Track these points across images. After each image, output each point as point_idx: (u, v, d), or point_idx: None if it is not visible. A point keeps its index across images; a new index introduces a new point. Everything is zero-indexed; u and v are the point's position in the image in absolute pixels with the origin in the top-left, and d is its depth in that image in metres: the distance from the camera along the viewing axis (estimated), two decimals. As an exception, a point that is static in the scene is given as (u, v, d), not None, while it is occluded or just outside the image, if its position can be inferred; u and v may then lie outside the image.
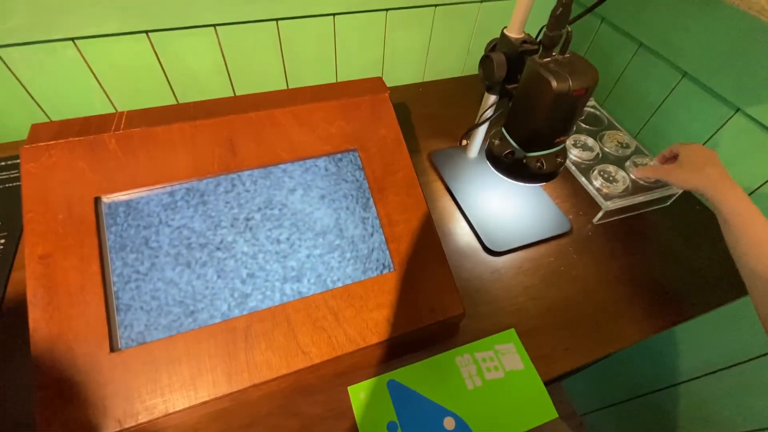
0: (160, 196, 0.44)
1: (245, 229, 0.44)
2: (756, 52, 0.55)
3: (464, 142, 0.70)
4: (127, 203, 0.43)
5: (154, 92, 0.68)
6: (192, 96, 0.70)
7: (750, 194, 0.60)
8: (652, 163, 0.63)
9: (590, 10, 0.45)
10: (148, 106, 0.48)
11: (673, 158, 0.55)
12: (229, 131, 0.47)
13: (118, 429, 0.35)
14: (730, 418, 0.71)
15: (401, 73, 0.84)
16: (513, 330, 0.49)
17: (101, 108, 0.66)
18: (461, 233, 0.59)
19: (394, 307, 0.44)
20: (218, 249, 0.43)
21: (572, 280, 0.55)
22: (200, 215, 0.44)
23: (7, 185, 0.58)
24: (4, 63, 0.57)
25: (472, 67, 0.88)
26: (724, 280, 0.57)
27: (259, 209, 0.45)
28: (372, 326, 0.43)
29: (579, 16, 0.45)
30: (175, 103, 0.70)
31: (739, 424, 0.70)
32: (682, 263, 0.58)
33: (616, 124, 0.72)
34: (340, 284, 0.44)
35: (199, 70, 0.68)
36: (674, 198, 0.64)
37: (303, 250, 0.45)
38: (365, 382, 0.44)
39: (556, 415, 0.42)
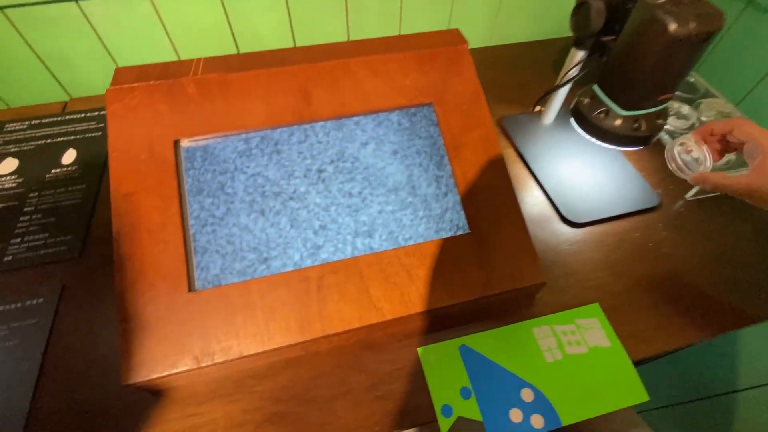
0: (235, 142, 0.43)
1: (318, 180, 0.43)
2: None
3: (538, 107, 0.65)
4: (204, 148, 0.42)
5: (220, 50, 0.68)
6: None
7: None
8: (694, 144, 0.44)
9: None
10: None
11: (723, 141, 0.42)
12: (303, 80, 0.45)
13: (195, 366, 0.36)
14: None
15: (468, 36, 0.79)
16: (597, 305, 0.45)
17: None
18: (535, 202, 0.55)
19: (468, 271, 0.41)
20: (291, 199, 0.42)
21: (661, 257, 0.50)
22: (274, 164, 0.43)
23: (86, 135, 0.60)
24: (85, 16, 0.59)
25: (545, 32, 0.82)
26: None
27: (332, 161, 0.44)
28: (446, 287, 0.40)
29: None
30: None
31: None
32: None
33: (715, 92, 0.64)
34: (412, 242, 0.42)
35: (265, 32, 0.67)
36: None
37: (375, 205, 0.43)
38: (435, 344, 0.42)
39: (647, 398, 0.38)
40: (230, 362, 0.37)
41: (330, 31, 0.70)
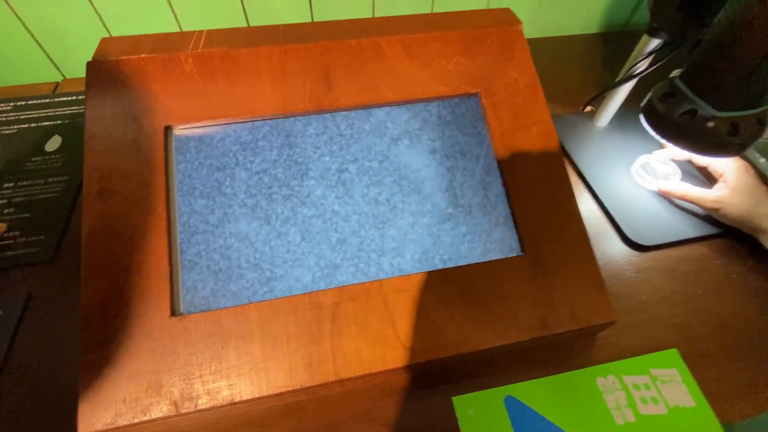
0: (238, 131, 0.35)
1: (337, 182, 0.35)
2: None
3: (589, 108, 0.56)
4: (201, 137, 0.35)
5: (229, 24, 0.60)
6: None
7: None
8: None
9: None
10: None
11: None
12: (325, 60, 0.37)
13: (173, 413, 0.28)
14: None
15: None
16: (676, 350, 0.36)
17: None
18: (590, 218, 0.46)
19: (521, 303, 0.33)
20: (304, 204, 0.34)
21: (750, 292, 0.41)
22: (284, 160, 0.35)
23: (75, 120, 0.53)
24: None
25: (594, 25, 0.73)
26: None
27: (356, 159, 0.36)
28: (493, 324, 0.32)
29: None
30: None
31: None
32: None
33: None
34: (452, 264, 0.34)
35: (281, 7, 0.60)
36: None
37: (406, 216, 0.35)
38: (475, 393, 0.33)
39: (752, 482, 0.30)
40: (218, 408, 0.29)
41: (353, 10, 0.62)
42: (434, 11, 0.65)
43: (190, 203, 0.33)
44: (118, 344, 0.29)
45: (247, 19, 0.60)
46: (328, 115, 0.37)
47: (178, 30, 0.59)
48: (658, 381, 0.34)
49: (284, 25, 0.40)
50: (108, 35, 0.57)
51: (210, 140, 0.35)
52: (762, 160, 0.46)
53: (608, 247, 0.44)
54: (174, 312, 0.30)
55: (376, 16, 0.64)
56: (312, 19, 0.62)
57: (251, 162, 0.35)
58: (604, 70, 0.66)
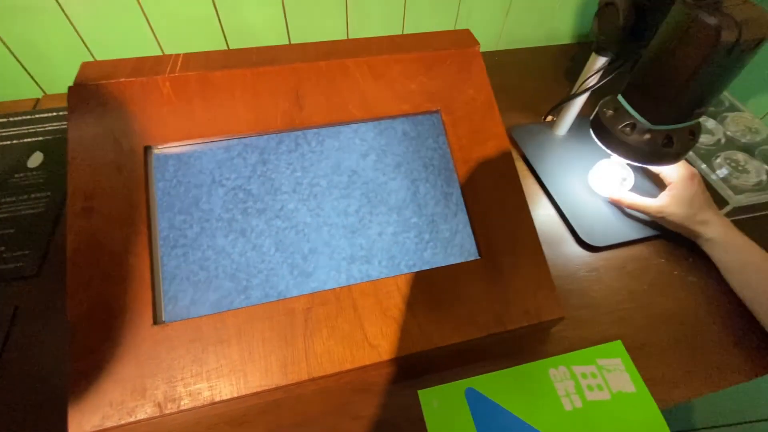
0: (215, 150, 0.38)
1: (309, 196, 0.38)
2: None
3: (550, 117, 0.60)
4: (178, 156, 0.37)
5: (208, 46, 0.62)
6: (248, 53, 0.65)
7: None
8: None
9: None
10: (206, 52, 0.42)
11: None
12: (295, 81, 0.40)
13: (157, 414, 0.30)
14: None
15: (475, 40, 0.74)
16: (620, 342, 0.40)
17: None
18: (547, 221, 0.50)
19: (478, 303, 0.36)
20: (278, 217, 0.37)
21: (689, 287, 0.45)
22: (258, 176, 0.38)
23: (56, 137, 0.55)
24: (60, 6, 0.54)
25: (556, 37, 0.77)
26: None
27: (326, 174, 0.39)
28: (453, 323, 0.35)
29: None
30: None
31: None
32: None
33: (740, 106, 0.59)
34: (416, 269, 0.37)
35: (257, 27, 0.62)
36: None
37: (374, 226, 0.38)
38: (439, 387, 0.36)
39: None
40: (199, 408, 0.32)
41: (328, 30, 0.65)
42: (404, 29, 0.68)
43: (169, 219, 0.35)
44: (105, 352, 0.31)
45: (226, 41, 0.62)
46: (299, 133, 0.39)
47: (159, 51, 0.61)
48: (603, 370, 0.38)
49: (257, 48, 0.42)
50: (88, 53, 0.59)
51: (188, 159, 0.37)
52: (703, 166, 0.51)
53: (564, 248, 0.48)
54: (156, 320, 0.32)
55: (350, 36, 0.67)
56: (289, 41, 0.65)
57: (227, 179, 0.37)
58: (567, 81, 0.70)
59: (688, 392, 0.38)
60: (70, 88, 0.37)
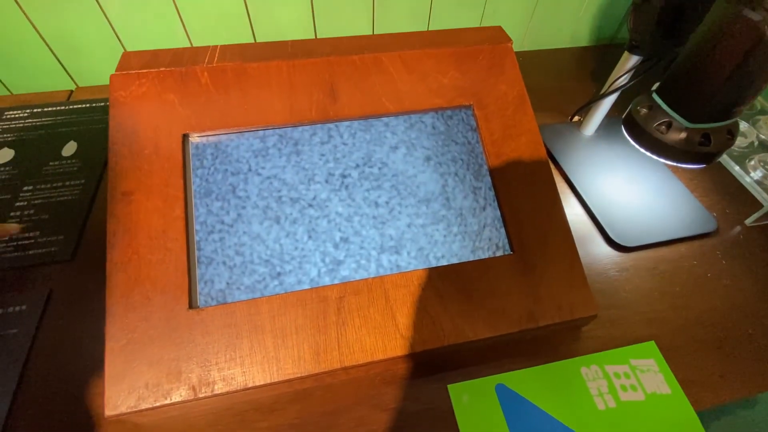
0: (251, 140, 0.38)
1: (341, 186, 0.38)
2: None
3: (577, 117, 0.60)
4: (216, 145, 0.38)
5: (236, 40, 0.63)
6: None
7: None
8: None
9: None
10: (242, 44, 0.43)
11: None
12: (330, 74, 0.41)
13: (192, 397, 0.30)
14: None
15: (499, 41, 0.74)
16: (653, 342, 0.39)
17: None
18: (576, 220, 0.50)
19: (510, 298, 0.36)
20: (310, 206, 0.37)
21: (722, 290, 0.44)
22: (293, 166, 0.38)
23: (89, 127, 0.56)
24: None
25: (581, 38, 0.77)
26: None
27: (357, 166, 0.39)
28: (485, 317, 0.35)
29: None
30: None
31: None
32: None
33: (773, 109, 0.58)
34: (444, 262, 0.37)
35: (285, 23, 0.63)
36: None
37: (404, 217, 0.38)
38: (469, 382, 0.36)
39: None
40: (232, 393, 0.32)
41: (354, 28, 0.66)
42: (430, 28, 0.69)
43: (207, 205, 0.36)
44: (141, 334, 0.32)
45: (254, 35, 0.63)
46: (332, 125, 0.40)
47: (189, 43, 0.62)
48: (637, 370, 0.37)
49: (292, 41, 0.43)
50: (120, 47, 0.61)
51: (225, 147, 0.38)
52: (737, 168, 0.50)
53: (593, 248, 0.47)
54: (192, 305, 0.33)
55: (375, 33, 0.67)
56: (315, 36, 0.66)
57: (262, 168, 0.38)
58: (592, 82, 0.70)
59: (721, 396, 0.37)
60: (112, 76, 0.38)
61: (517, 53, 0.75)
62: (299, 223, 0.36)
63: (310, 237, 0.36)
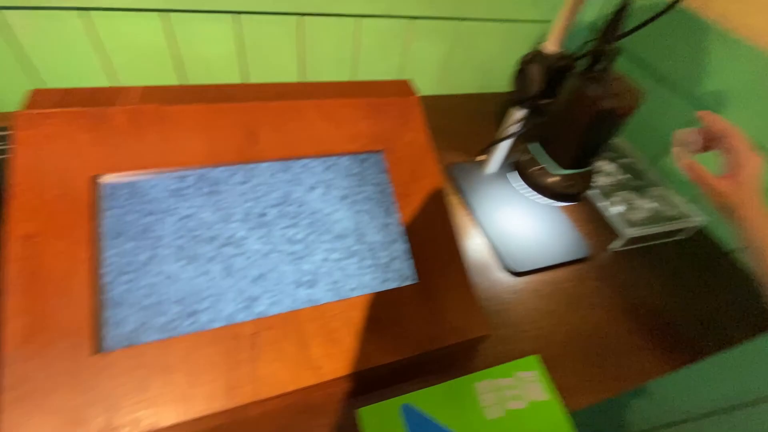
0: (168, 180, 0.39)
1: (259, 224, 0.40)
2: (781, 92, 0.56)
3: (482, 157, 0.68)
4: (131, 185, 0.38)
5: (163, 76, 0.64)
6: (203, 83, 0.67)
7: None
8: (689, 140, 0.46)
9: (665, 11, 0.41)
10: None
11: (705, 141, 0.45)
12: (250, 118, 0.43)
13: (94, 444, 0.30)
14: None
15: (418, 84, 0.82)
16: (536, 357, 0.45)
17: (107, 85, 0.62)
18: (477, 250, 0.56)
19: (414, 323, 0.40)
20: (228, 244, 0.39)
21: (593, 307, 0.52)
22: (211, 205, 0.40)
23: (-9, 158, 0.52)
24: (8, 25, 0.53)
25: (487, 86, 0.88)
26: (731, 319, 0.55)
27: (276, 205, 0.42)
28: (390, 342, 0.39)
29: (649, 20, 0.41)
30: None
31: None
32: (697, 299, 0.57)
33: (632, 152, 0.71)
34: (357, 293, 0.40)
35: (214, 59, 0.65)
36: (691, 232, 0.63)
37: (319, 252, 0.41)
38: (377, 404, 0.39)
39: (583, 454, 0.39)
40: (140, 436, 0.32)
41: (283, 69, 0.69)
42: (356, 73, 0.74)
43: (118, 246, 0.36)
44: (41, 382, 0.31)
45: (180, 74, 0.64)
46: (252, 166, 0.42)
47: (109, 81, 0.61)
48: (521, 382, 0.43)
49: (216, 86, 0.45)
50: (37, 75, 0.58)
51: (140, 188, 0.38)
52: (603, 203, 0.61)
53: (491, 274, 0.54)
54: (98, 348, 0.32)
55: (305, 77, 0.72)
56: (245, 79, 0.68)
57: (179, 208, 0.39)
58: (497, 125, 0.80)
59: (590, 398, 0.44)
60: (17, 114, 0.37)
61: (433, 97, 0.84)
62: (215, 261, 0.38)
63: (226, 275, 0.38)
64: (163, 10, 0.57)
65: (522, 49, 0.83)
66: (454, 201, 0.63)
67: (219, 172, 0.41)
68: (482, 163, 0.68)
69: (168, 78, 0.64)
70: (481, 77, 0.86)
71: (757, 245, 0.41)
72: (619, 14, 0.39)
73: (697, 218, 0.62)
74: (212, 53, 0.64)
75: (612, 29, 0.40)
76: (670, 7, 0.39)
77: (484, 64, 0.83)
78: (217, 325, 0.36)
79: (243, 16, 0.61)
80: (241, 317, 0.37)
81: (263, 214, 0.41)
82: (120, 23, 0.56)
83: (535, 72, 0.49)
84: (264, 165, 0.43)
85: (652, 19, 0.40)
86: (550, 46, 0.49)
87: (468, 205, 0.61)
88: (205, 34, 0.61)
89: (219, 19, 0.60)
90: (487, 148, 0.63)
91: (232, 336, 0.35)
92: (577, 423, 0.41)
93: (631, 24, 0.39)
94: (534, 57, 0.51)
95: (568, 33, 0.48)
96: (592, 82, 0.42)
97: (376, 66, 0.75)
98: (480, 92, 0.88)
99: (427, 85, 0.83)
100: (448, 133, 0.75)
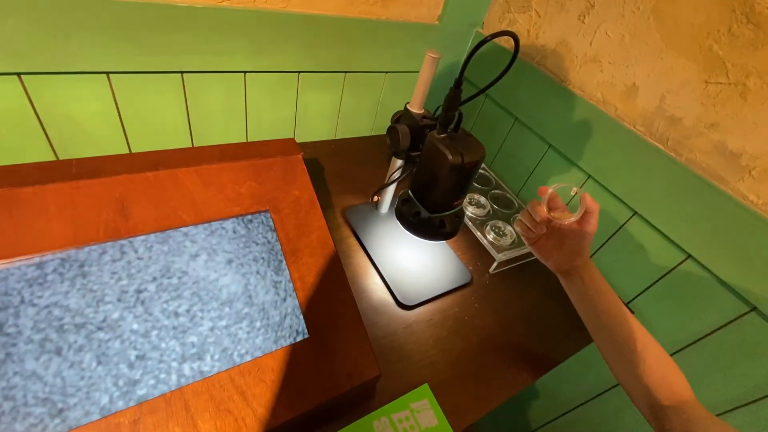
0: (23, 269, 0.37)
1: (135, 303, 0.39)
2: (598, 132, 0.70)
3: (375, 198, 0.74)
4: (-25, 280, 0.35)
5: (26, 145, 0.59)
6: (77, 151, 0.62)
7: (605, 242, 0.74)
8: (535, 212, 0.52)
9: (478, 94, 0.52)
10: (16, 161, 0.41)
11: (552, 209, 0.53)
12: (120, 192, 0.42)
13: None
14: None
15: (313, 130, 0.86)
16: (426, 385, 0.50)
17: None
18: (375, 289, 0.61)
19: (308, 377, 0.42)
20: (100, 329, 0.37)
21: (475, 329, 0.59)
22: (78, 290, 0.38)
23: None
24: None
25: (380, 128, 0.95)
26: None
27: (154, 279, 0.41)
28: (285, 401, 0.40)
29: (469, 99, 0.52)
30: (53, 158, 0.61)
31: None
32: (566, 305, 0.68)
33: (502, 184, 0.83)
34: (249, 358, 0.41)
35: (86, 122, 0.61)
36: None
37: (206, 322, 0.41)
38: (277, 464, 0.40)
39: (469, 469, 0.44)
40: None
41: (169, 125, 0.68)
42: (248, 127, 0.76)
43: (-41, 353, 0.32)
44: None
45: (53, 147, 0.60)
46: (125, 242, 0.41)
47: None
48: (415, 412, 0.47)
49: (77, 160, 0.43)
50: None
51: (-14, 282, 0.35)
52: (477, 234, 0.70)
53: (387, 311, 0.58)
54: (-65, 477, 0.29)
55: (194, 143, 0.71)
56: (129, 148, 0.65)
57: (39, 297, 0.36)
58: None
59: (476, 414, 0.50)
60: None
61: (331, 141, 0.89)
62: (86, 349, 0.36)
63: (99, 362, 0.36)
64: (17, 73, 0.53)
65: (406, 94, 0.92)
66: (352, 243, 0.67)
67: (86, 253, 0.39)
68: (377, 204, 0.73)
69: (35, 145, 0.59)
70: (372, 121, 0.93)
71: (591, 293, 0.51)
72: (454, 93, 0.47)
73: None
74: (86, 116, 0.61)
75: (453, 102, 0.48)
76: (482, 91, 0.48)
77: (373, 109, 0.91)
78: (91, 419, 0.34)
79: (115, 76, 0.59)
80: (120, 405, 0.35)
81: (140, 291, 0.40)
82: (-39, 89, 0.51)
83: (403, 129, 0.56)
84: (139, 239, 0.42)
85: (479, 93, 0.49)
86: (414, 107, 0.56)
87: (365, 246, 0.65)
88: (75, 96, 0.58)
89: (89, 80, 0.57)
90: (378, 191, 0.69)
91: (108, 428, 0.34)
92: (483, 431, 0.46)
93: (488, 74, 0.47)
94: (401, 116, 0.58)
95: (426, 95, 0.56)
96: (445, 140, 0.49)
97: (270, 116, 0.78)
98: (373, 135, 0.94)
99: (323, 131, 0.88)
100: (345, 176, 0.80)
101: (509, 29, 0.55)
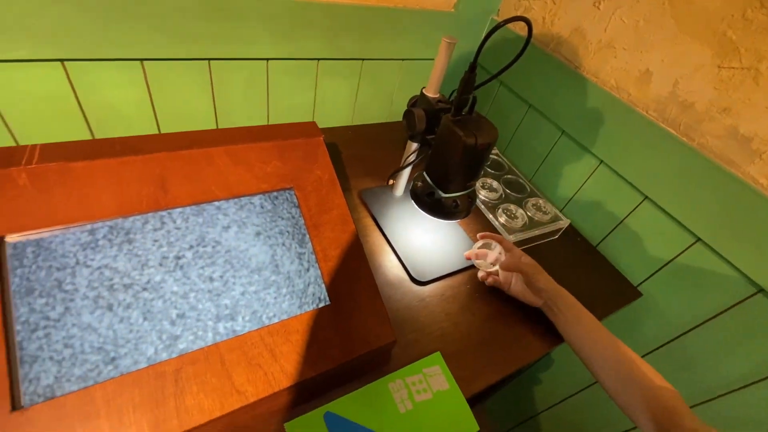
0: (78, 234, 0.41)
1: (175, 267, 0.43)
2: (611, 118, 0.71)
3: (391, 181, 0.77)
4: (38, 242, 0.39)
5: (66, 127, 0.63)
6: (112, 133, 0.67)
7: (616, 226, 0.75)
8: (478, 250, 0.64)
9: (492, 78, 0.54)
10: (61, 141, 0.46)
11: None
12: (160, 169, 0.46)
13: (15, 502, 0.31)
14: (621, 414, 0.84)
15: (331, 116, 0.89)
16: (438, 353, 0.53)
17: (1, 142, 0.60)
18: (390, 266, 0.64)
19: (329, 340, 0.46)
20: (145, 289, 0.41)
21: (485, 304, 0.62)
22: (125, 254, 0.42)
23: None
24: None
25: (396, 115, 0.97)
26: (600, 299, 0.69)
27: (191, 247, 0.45)
28: (309, 360, 0.44)
29: (483, 83, 0.54)
30: (91, 138, 0.66)
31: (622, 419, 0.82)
32: (571, 285, 0.70)
33: (515, 170, 0.85)
34: (276, 320, 0.45)
35: (121, 106, 0.65)
36: (561, 232, 0.77)
37: (237, 287, 0.45)
38: (302, 417, 0.44)
39: (477, 428, 0.47)
40: (65, 486, 0.33)
41: (195, 109, 0.72)
42: (269, 110, 0.79)
43: (29, 303, 0.37)
44: (-52, 451, 0.31)
45: (91, 130, 0.64)
46: (164, 213, 0.45)
47: (12, 139, 0.59)
48: (427, 376, 0.51)
49: (121, 139, 0.47)
50: None
51: (48, 245, 0.40)
52: (489, 216, 0.72)
53: (402, 286, 0.61)
54: (15, 406, 0.33)
55: (219, 125, 0.75)
56: (159, 130, 0.70)
57: (92, 259, 0.41)
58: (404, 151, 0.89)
59: (484, 381, 0.53)
60: None
61: (348, 127, 0.92)
62: (133, 307, 0.40)
63: (145, 318, 0.40)
64: (60, 59, 0.57)
65: (421, 81, 0.94)
66: (369, 224, 0.70)
67: (131, 222, 0.44)
68: (392, 187, 0.76)
69: (76, 128, 0.64)
70: (387, 108, 0.95)
71: (570, 320, 0.55)
72: (469, 77, 0.49)
73: (564, 222, 0.76)
74: (121, 101, 0.65)
75: (469, 81, 0.50)
76: (496, 75, 0.51)
77: (389, 96, 0.93)
78: (140, 366, 0.38)
79: (148, 63, 0.63)
80: (164, 356, 0.39)
81: (179, 257, 0.44)
82: (15, 76, 0.56)
83: (419, 112, 0.59)
84: (176, 211, 0.46)
85: (493, 77, 0.51)
86: (430, 92, 0.59)
87: (381, 227, 0.68)
88: (112, 83, 0.62)
89: (124, 67, 0.62)
90: (393, 174, 0.71)
91: (155, 375, 0.38)
92: (489, 410, 0.49)
93: (503, 62, 0.49)
94: (417, 101, 0.61)
95: (441, 80, 0.58)
96: (459, 123, 0.51)
97: (290, 102, 0.81)
98: (388, 121, 0.97)
99: (341, 117, 0.91)
100: (362, 160, 0.83)
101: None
